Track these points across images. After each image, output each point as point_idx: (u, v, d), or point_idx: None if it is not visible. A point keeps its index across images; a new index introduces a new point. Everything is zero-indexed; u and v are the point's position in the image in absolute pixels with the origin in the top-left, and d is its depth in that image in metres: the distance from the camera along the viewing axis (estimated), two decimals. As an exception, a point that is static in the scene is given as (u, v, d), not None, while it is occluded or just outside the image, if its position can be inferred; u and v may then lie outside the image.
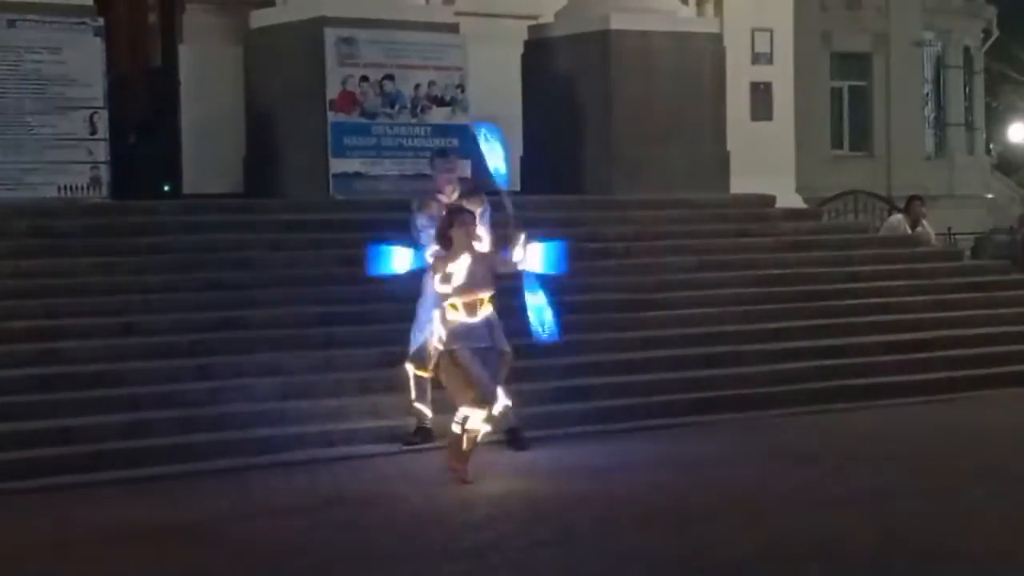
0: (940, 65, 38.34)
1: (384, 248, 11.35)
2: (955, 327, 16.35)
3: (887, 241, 19.38)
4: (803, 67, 25.24)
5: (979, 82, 40.31)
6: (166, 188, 18.84)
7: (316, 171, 17.17)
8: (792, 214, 19.61)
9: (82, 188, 15.98)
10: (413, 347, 11.63)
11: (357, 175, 17.21)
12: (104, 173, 16.08)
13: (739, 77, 21.18)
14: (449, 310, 10.78)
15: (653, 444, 12.39)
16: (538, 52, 19.71)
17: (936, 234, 21.44)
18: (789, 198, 20.99)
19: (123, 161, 16.97)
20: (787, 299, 16.21)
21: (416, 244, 11.52)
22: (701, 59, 19.37)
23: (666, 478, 11.00)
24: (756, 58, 22.75)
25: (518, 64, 19.87)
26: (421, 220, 11.67)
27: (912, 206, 19.96)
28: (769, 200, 19.11)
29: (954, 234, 28.27)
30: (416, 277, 11.61)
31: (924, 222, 19.79)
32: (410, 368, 11.63)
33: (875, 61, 36.29)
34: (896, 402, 14.31)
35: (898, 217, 20.53)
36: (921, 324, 16.23)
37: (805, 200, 22.66)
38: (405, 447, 11.84)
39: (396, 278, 11.54)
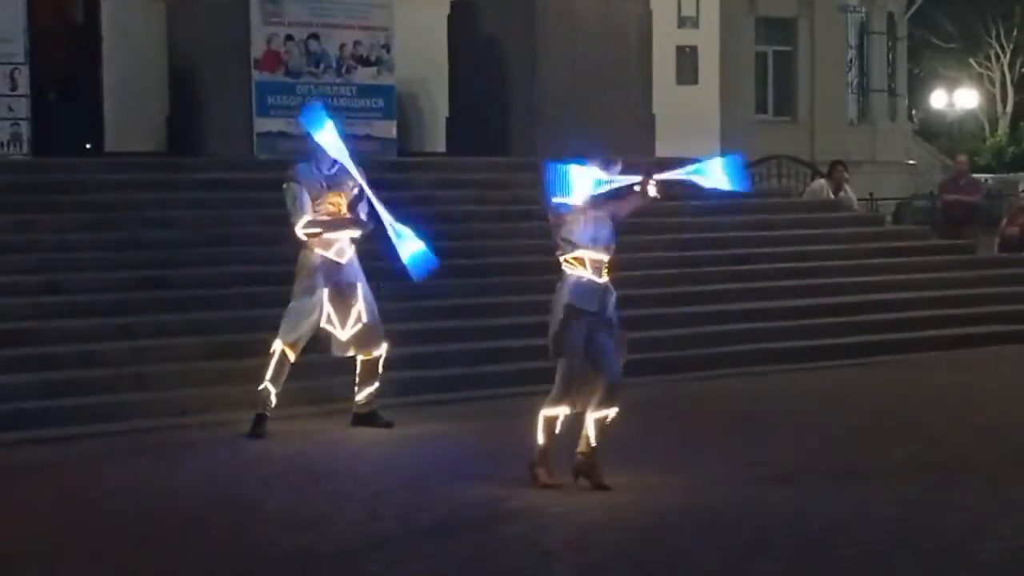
0: (864, 31, 38.51)
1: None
2: (875, 292, 16.52)
3: (809, 206, 19.54)
4: (728, 31, 25.32)
5: (902, 48, 40.57)
6: (87, 145, 18.67)
7: (240, 130, 17.07)
8: (716, 178, 19.67)
9: (2, 145, 15.83)
10: (290, 328, 11.20)
11: (281, 134, 17.12)
12: (25, 129, 15.95)
13: (665, 41, 21.24)
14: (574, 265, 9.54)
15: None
16: (465, 13, 19.66)
17: (858, 199, 21.62)
18: (713, 162, 21.06)
19: (44, 118, 16.80)
20: (708, 263, 16.30)
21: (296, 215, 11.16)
22: (627, 22, 19.40)
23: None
24: (682, 22, 22.83)
25: (444, 25, 19.80)
26: (294, 195, 11.21)
27: (835, 171, 20.13)
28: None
29: (876, 199, 28.49)
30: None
31: (846, 187, 19.96)
32: (279, 347, 11.20)
33: (800, 26, 36.40)
34: (815, 365, 14.45)
35: (821, 182, 20.71)
36: (841, 288, 16.39)
37: (729, 164, 22.74)
38: (250, 438, 11.15)
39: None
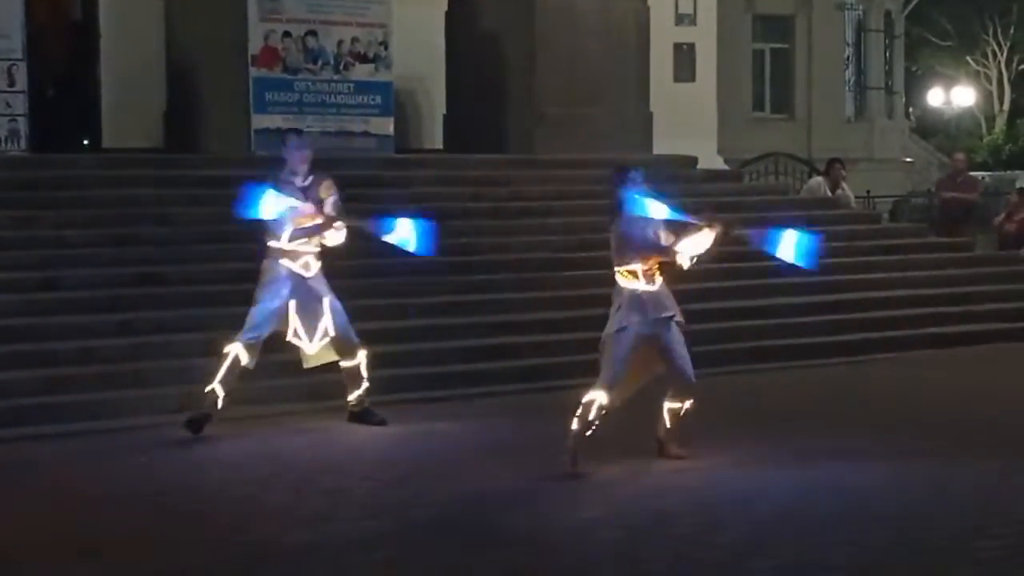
0: (861, 29, 38.53)
1: (257, 189, 10.85)
2: (872, 289, 16.53)
3: (807, 203, 19.53)
4: (726, 29, 25.30)
5: (899, 46, 40.59)
6: (85, 142, 18.66)
7: (237, 127, 17.07)
8: (713, 175, 19.72)
9: (0, 141, 15.80)
10: (249, 330, 11.08)
11: (279, 131, 17.10)
12: (22, 126, 15.94)
13: (662, 38, 21.21)
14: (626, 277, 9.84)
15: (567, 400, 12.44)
16: (463, 10, 19.65)
17: (855, 197, 21.64)
18: (711, 160, 21.10)
19: (42, 114, 16.79)
20: (707, 260, 16.26)
21: (269, 228, 11.13)
22: (625, 19, 19.40)
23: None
24: (680, 19, 22.78)
25: (442, 21, 19.80)
26: (275, 202, 11.09)
27: (832, 169, 20.14)
28: (691, 161, 19.20)
29: (873, 197, 28.51)
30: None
31: (844, 185, 19.97)
32: (235, 348, 11.03)
33: (797, 24, 36.43)
34: (811, 363, 14.46)
35: (818, 180, 20.72)
36: (838, 286, 16.39)
37: (726, 162, 22.79)
38: (192, 434, 10.97)
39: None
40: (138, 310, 13.01)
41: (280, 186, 11.12)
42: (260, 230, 11.27)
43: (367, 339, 12.27)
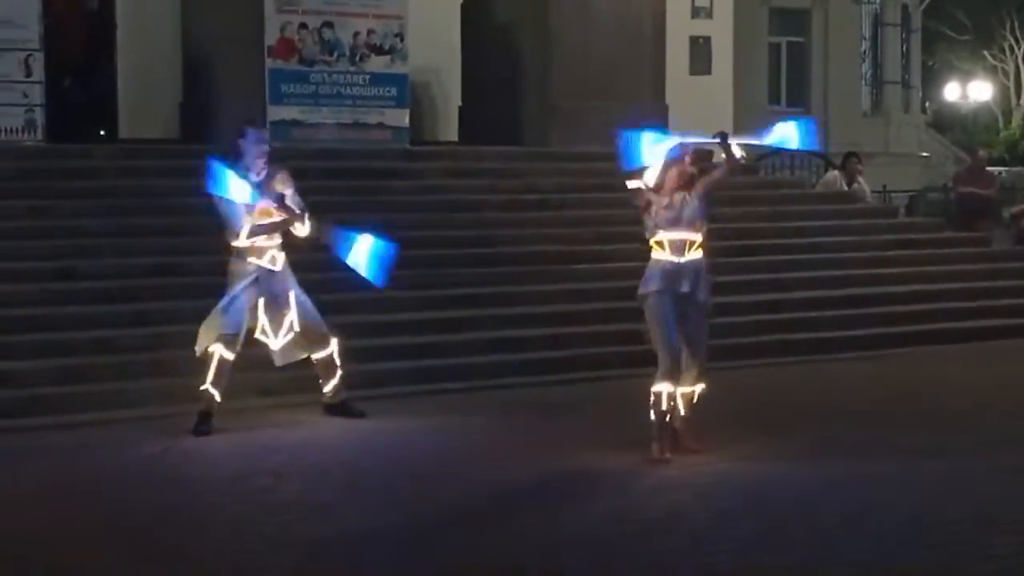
0: (878, 22, 38.44)
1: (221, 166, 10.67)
2: (888, 284, 16.49)
3: (823, 197, 19.51)
4: (742, 22, 25.28)
5: (916, 40, 40.48)
6: (101, 132, 18.69)
7: (253, 118, 17.03)
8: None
9: (17, 131, 15.84)
10: (227, 326, 10.99)
11: (295, 123, 17.15)
12: (39, 116, 15.96)
13: (679, 31, 21.21)
14: (655, 249, 9.84)
15: (581, 393, 12.47)
16: (478, 2, 19.66)
17: (871, 191, 21.59)
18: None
19: (58, 104, 16.82)
20: (722, 253, 16.21)
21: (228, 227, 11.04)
22: (640, 12, 19.38)
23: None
24: (696, 12, 22.78)
25: (458, 13, 19.80)
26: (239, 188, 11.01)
27: (848, 163, 20.10)
28: (706, 155, 19.13)
29: (889, 191, 28.43)
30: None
31: (860, 179, 19.93)
32: (218, 349, 10.95)
33: (814, 17, 36.35)
34: (827, 358, 14.44)
35: (834, 174, 20.68)
36: (854, 280, 16.36)
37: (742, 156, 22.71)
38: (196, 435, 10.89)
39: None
40: (154, 300, 13.04)
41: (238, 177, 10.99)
42: (220, 231, 11.16)
43: (379, 332, 12.34)
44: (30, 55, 15.83)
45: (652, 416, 9.75)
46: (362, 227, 11.13)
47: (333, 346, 11.39)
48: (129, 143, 17.53)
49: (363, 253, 10.95)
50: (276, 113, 17.08)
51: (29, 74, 15.86)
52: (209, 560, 7.74)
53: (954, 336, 15.51)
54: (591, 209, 16.51)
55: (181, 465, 9.98)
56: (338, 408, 11.45)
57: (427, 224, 15.35)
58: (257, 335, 11.23)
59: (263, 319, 11.16)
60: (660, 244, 9.81)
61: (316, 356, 11.38)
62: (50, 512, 8.68)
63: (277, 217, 11.04)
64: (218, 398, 10.99)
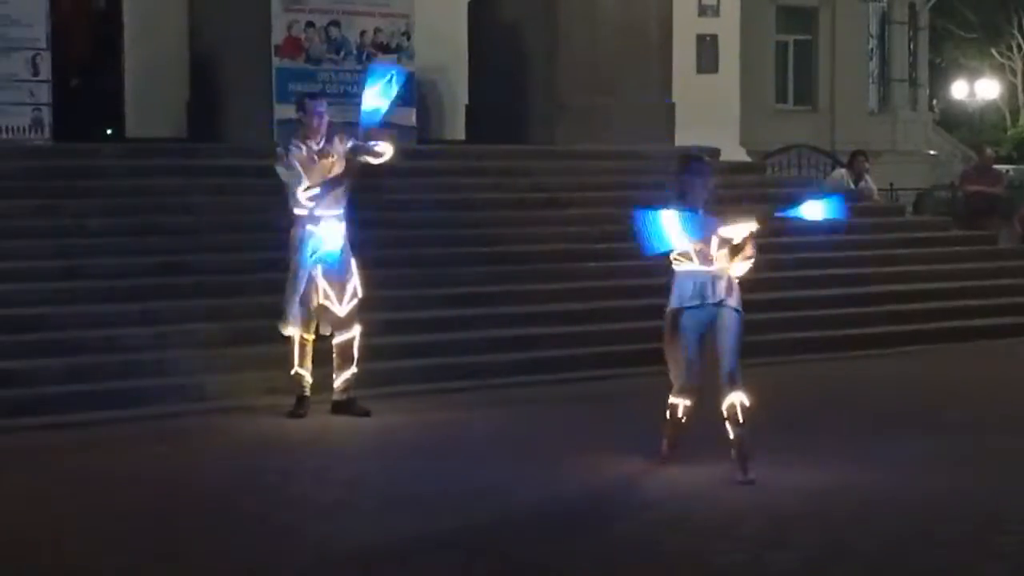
0: (885, 21, 38.45)
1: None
2: (895, 282, 16.47)
3: (829, 196, 19.46)
4: (749, 20, 25.24)
5: (923, 38, 40.48)
6: (108, 131, 18.70)
7: (260, 117, 17.08)
8: (736, 167, 19.65)
9: (24, 130, 15.85)
10: (292, 309, 11.31)
11: (301, 121, 17.09)
12: (46, 115, 15.97)
13: (685, 29, 21.17)
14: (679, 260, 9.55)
15: (589, 391, 12.47)
16: (485, 1, 19.65)
17: (879, 189, 21.57)
18: (733, 151, 21.04)
19: (65, 103, 16.83)
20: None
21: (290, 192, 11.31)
22: (647, 10, 19.37)
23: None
24: (702, 10, 22.72)
25: (465, 12, 19.80)
26: (287, 167, 11.34)
27: (855, 161, 20.08)
28: (713, 153, 19.12)
29: (896, 190, 28.42)
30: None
31: (867, 177, 19.91)
32: (293, 332, 11.34)
33: (821, 15, 36.37)
34: (833, 356, 14.42)
35: (841, 172, 20.66)
36: (860, 279, 16.34)
37: (749, 154, 22.72)
38: (290, 418, 11.34)
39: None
40: (160, 299, 13.03)
41: (292, 150, 11.28)
42: (284, 199, 11.42)
43: (391, 330, 12.32)
44: (37, 54, 15.85)
45: (667, 416, 9.62)
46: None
47: (356, 332, 11.43)
48: (136, 142, 17.54)
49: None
50: (283, 112, 17.04)
51: (36, 73, 15.88)
52: (216, 559, 7.73)
53: (961, 334, 15.50)
54: (598, 207, 16.50)
55: (187, 464, 9.97)
56: (344, 406, 11.45)
57: (435, 223, 15.34)
58: (321, 301, 11.33)
59: (323, 284, 11.29)
60: (687, 255, 9.54)
61: (337, 339, 11.43)
62: (55, 511, 8.67)
63: (335, 173, 11.26)
64: (309, 378, 11.35)
